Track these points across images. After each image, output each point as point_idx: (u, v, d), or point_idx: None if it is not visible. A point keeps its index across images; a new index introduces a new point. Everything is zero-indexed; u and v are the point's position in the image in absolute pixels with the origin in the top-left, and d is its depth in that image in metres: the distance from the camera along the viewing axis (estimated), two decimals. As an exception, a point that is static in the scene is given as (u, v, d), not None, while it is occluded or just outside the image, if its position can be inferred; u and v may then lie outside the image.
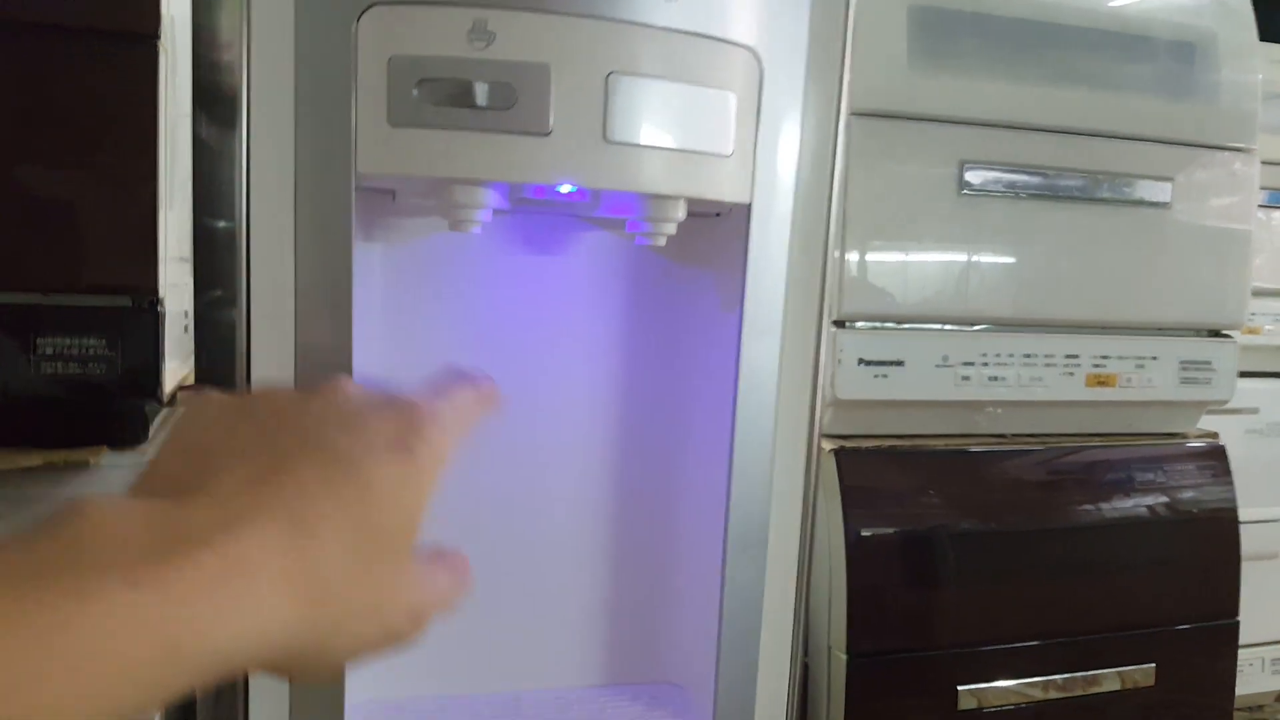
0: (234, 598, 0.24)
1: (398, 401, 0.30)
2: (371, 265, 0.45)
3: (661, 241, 0.42)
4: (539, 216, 0.47)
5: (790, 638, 0.48)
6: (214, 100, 0.43)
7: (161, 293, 0.54)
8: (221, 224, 0.45)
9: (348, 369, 0.40)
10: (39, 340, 0.53)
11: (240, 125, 0.40)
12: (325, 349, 0.40)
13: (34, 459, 0.50)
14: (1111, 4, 0.88)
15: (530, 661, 0.51)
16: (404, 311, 0.46)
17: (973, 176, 0.83)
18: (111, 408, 0.54)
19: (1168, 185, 0.87)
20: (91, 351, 0.54)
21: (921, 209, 0.82)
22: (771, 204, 0.42)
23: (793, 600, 0.47)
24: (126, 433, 0.54)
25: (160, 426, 0.58)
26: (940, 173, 0.82)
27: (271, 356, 0.41)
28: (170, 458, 0.29)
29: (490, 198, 0.39)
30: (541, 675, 0.51)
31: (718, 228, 0.45)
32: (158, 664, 0.23)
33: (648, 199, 0.40)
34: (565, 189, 0.40)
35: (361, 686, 0.49)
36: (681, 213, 0.41)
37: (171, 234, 0.56)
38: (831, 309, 0.80)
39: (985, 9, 0.84)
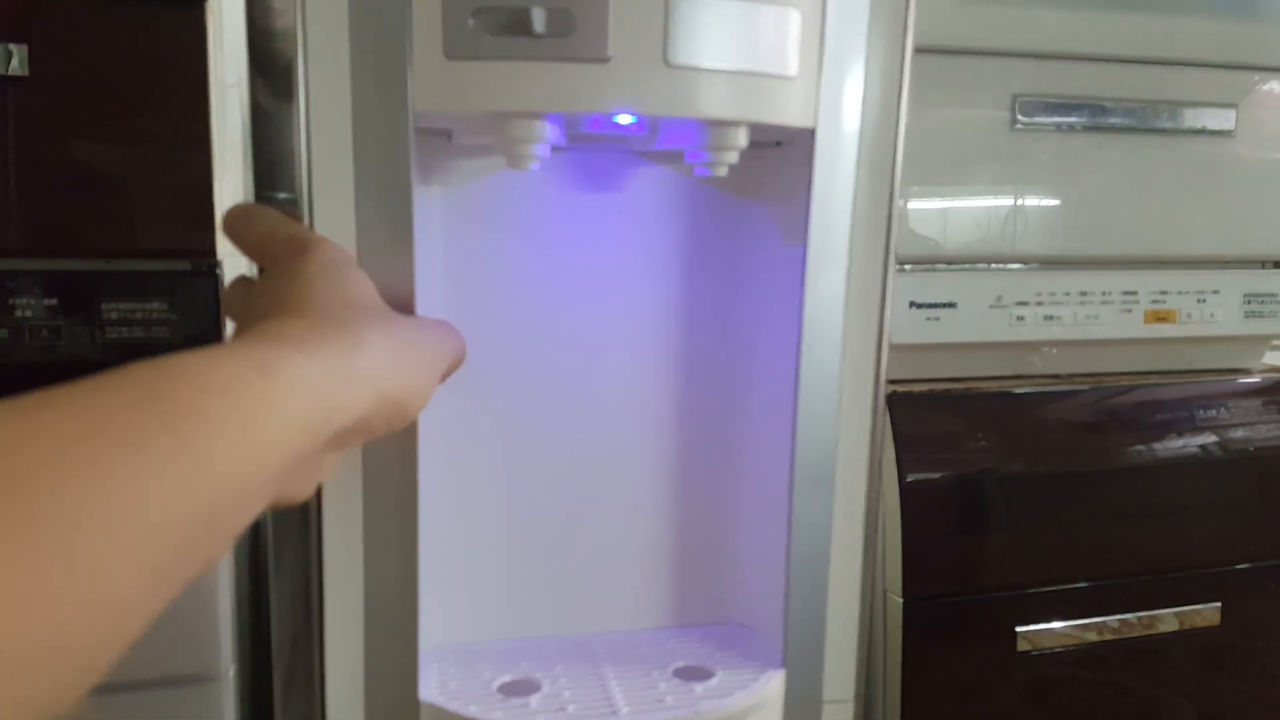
0: (356, 376, 0.32)
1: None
2: (431, 208, 0.45)
3: (723, 172, 0.41)
4: (596, 154, 0.46)
5: (860, 578, 0.48)
6: (269, 65, 0.43)
7: (220, 256, 0.55)
8: (282, 196, 0.45)
9: (411, 313, 0.40)
10: (103, 306, 0.54)
11: (297, 87, 0.40)
12: (388, 296, 0.40)
13: (102, 423, 0.51)
14: (1166, -75, 0.84)
15: (598, 605, 0.52)
16: (464, 254, 0.46)
17: (1026, 111, 0.81)
18: (175, 371, 0.55)
19: (1231, 112, 0.84)
20: (154, 315, 0.54)
21: (973, 146, 0.80)
22: (837, 129, 0.41)
23: (861, 539, 0.47)
24: (190, 394, 0.55)
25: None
26: (993, 108, 0.80)
27: None
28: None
29: (549, 131, 0.38)
30: (610, 619, 0.51)
31: (780, 158, 0.44)
32: (327, 411, 0.30)
33: (708, 127, 0.39)
34: (625, 119, 0.39)
35: (433, 632, 0.50)
36: (743, 140, 0.40)
37: (227, 200, 0.56)
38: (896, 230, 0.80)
39: (1035, -66, 0.81)
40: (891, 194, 0.45)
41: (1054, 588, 0.83)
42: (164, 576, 0.25)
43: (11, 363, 0.51)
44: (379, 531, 0.42)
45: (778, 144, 0.45)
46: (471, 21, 0.36)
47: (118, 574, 0.23)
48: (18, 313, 0.54)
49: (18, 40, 0.51)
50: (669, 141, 0.43)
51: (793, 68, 0.39)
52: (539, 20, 0.35)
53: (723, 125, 0.39)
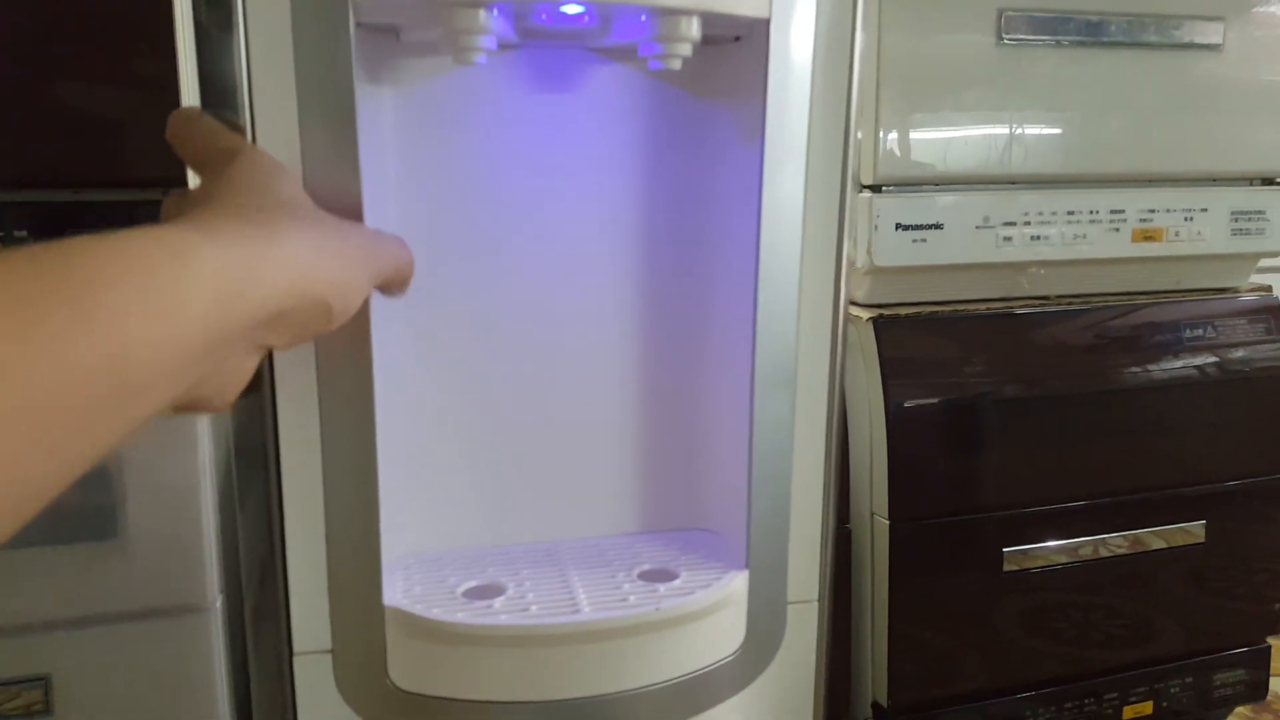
0: (270, 263, 0.32)
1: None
2: (381, 110, 0.45)
3: (676, 65, 0.40)
4: (550, 51, 0.45)
5: (822, 479, 0.48)
6: None
7: (192, 184, 0.54)
8: (224, 111, 0.44)
9: (358, 217, 0.40)
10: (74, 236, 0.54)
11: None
12: (335, 197, 0.39)
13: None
14: None
15: (566, 513, 0.52)
16: (418, 157, 0.45)
17: (1012, 27, 0.79)
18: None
19: (1219, 25, 0.83)
20: (125, 246, 0.54)
21: (959, 65, 0.79)
22: (791, 21, 0.41)
23: (824, 442, 0.47)
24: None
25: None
26: (978, 23, 0.78)
27: None
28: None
29: (493, 22, 0.37)
30: (577, 526, 0.52)
31: (736, 55, 0.43)
32: (230, 296, 0.30)
33: (659, 17, 0.38)
34: (573, 9, 0.38)
35: (399, 541, 0.50)
36: (696, 30, 0.39)
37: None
38: (865, 174, 0.78)
39: None
40: (850, 81, 0.44)
41: (1040, 508, 0.83)
42: (60, 449, 0.25)
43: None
44: (337, 443, 0.42)
45: (736, 39, 0.44)
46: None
47: (6, 439, 0.23)
48: (-13, 248, 0.54)
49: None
50: (622, 34, 0.42)
51: (742, -47, 0.39)
52: (477, -95, 0.34)
53: (674, 14, 0.38)
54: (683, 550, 0.50)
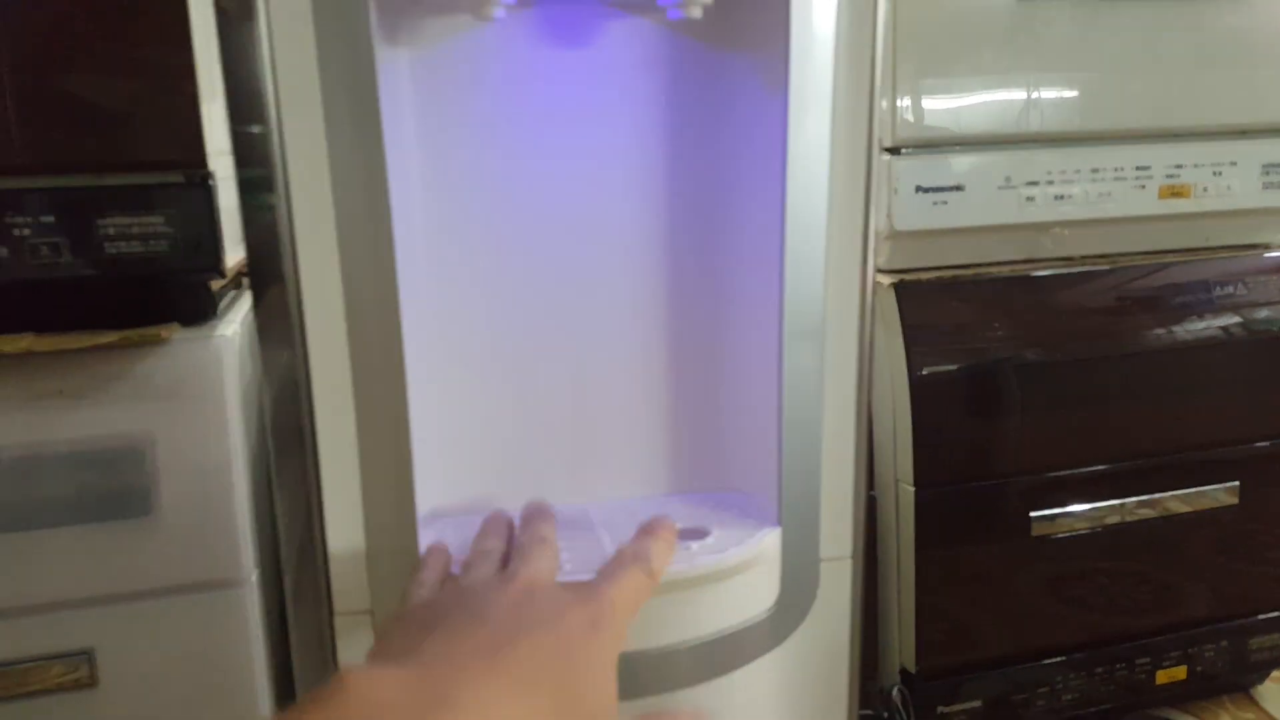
0: None
1: (582, 588, 0.37)
2: (399, 70, 0.45)
3: (697, 13, 0.40)
4: (565, 5, 0.45)
5: (854, 434, 0.48)
6: None
7: (211, 167, 0.55)
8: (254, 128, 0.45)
9: (382, 186, 0.40)
10: (100, 221, 0.55)
11: None
12: (360, 180, 0.39)
13: (109, 336, 0.52)
14: None
15: (596, 475, 0.52)
16: (437, 119, 0.46)
17: (1030, -20, 0.78)
18: (177, 283, 0.56)
19: (1246, -28, 0.81)
20: (151, 229, 0.55)
21: (977, 23, 0.78)
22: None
23: (854, 395, 0.47)
24: (194, 307, 0.56)
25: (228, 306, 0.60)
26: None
27: (313, 235, 0.41)
28: (399, 628, 0.35)
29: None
30: (607, 488, 0.52)
31: (756, 2, 0.43)
32: None
33: (676, -36, 0.38)
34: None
35: (429, 497, 0.50)
36: (714, -24, 0.39)
37: (214, 127, 0.56)
38: (884, 136, 0.78)
39: None
40: (874, 28, 0.44)
41: (1068, 472, 0.82)
42: None
43: (13, 280, 0.52)
44: (371, 413, 0.43)
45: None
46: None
47: None
48: (16, 231, 0.55)
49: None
50: (639, -16, 0.42)
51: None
52: None
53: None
54: (714, 510, 0.50)
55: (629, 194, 0.48)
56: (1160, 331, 0.85)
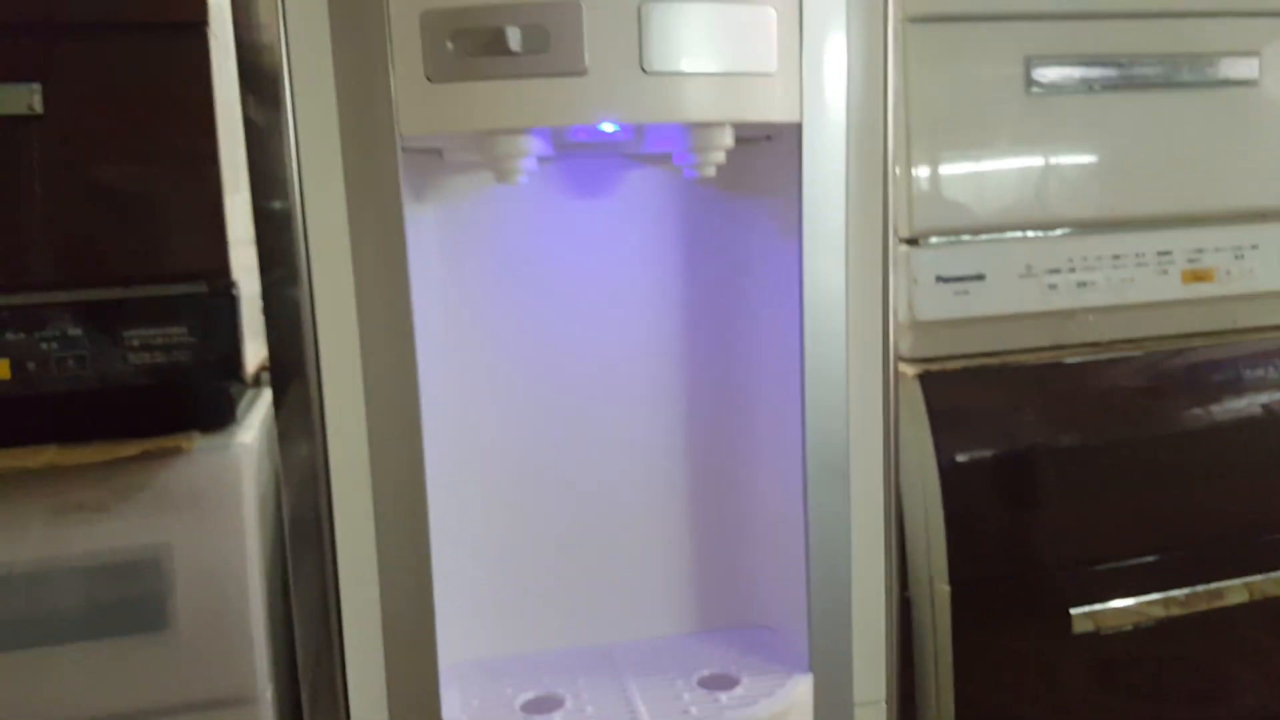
0: None
1: None
2: (425, 226, 0.45)
3: (711, 172, 0.41)
4: (585, 160, 0.46)
5: (883, 567, 0.47)
6: (258, 81, 0.44)
7: (235, 276, 0.56)
8: (277, 204, 0.45)
9: (408, 332, 0.40)
10: (125, 333, 0.55)
11: (285, 102, 0.40)
12: (386, 317, 0.40)
13: (130, 449, 0.52)
14: None
15: (619, 613, 0.52)
16: (461, 269, 0.46)
17: (1041, 74, 0.79)
18: (199, 392, 0.56)
19: (1254, 60, 0.81)
20: (175, 339, 0.56)
21: (989, 114, 0.78)
22: (823, 121, 0.41)
23: (881, 527, 0.46)
24: (215, 415, 0.57)
25: (247, 407, 0.60)
26: (1006, 73, 0.78)
27: (337, 331, 0.42)
28: None
29: (533, 145, 0.38)
30: (631, 626, 0.51)
31: (769, 152, 0.44)
32: None
33: (692, 128, 0.39)
34: (608, 127, 0.39)
35: (454, 649, 0.50)
36: (728, 139, 0.40)
37: (237, 218, 0.57)
38: (901, 226, 0.78)
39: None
40: (885, 173, 0.44)
41: (1110, 564, 0.80)
42: None
43: (40, 393, 0.52)
44: (391, 549, 0.43)
45: (767, 137, 0.44)
46: (450, 44, 0.36)
47: None
48: (43, 345, 0.56)
49: (31, 80, 0.52)
50: (656, 145, 0.43)
51: (772, 64, 0.39)
52: (515, 39, 0.35)
53: (706, 126, 0.39)
54: (742, 651, 0.49)
55: (648, 329, 0.48)
56: (1194, 413, 0.84)
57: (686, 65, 0.37)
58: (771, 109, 0.40)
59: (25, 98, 0.53)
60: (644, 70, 0.36)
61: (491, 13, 0.36)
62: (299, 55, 0.40)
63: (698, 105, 0.38)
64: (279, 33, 0.40)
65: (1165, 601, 0.80)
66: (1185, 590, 0.81)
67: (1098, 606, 0.79)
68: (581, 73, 0.36)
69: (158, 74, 0.56)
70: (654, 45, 0.36)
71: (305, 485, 0.47)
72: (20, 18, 0.53)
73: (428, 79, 0.37)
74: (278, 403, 0.48)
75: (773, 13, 0.38)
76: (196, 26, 0.55)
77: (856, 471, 0.45)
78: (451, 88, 0.36)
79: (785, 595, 0.48)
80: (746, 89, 0.39)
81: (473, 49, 0.36)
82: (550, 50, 0.36)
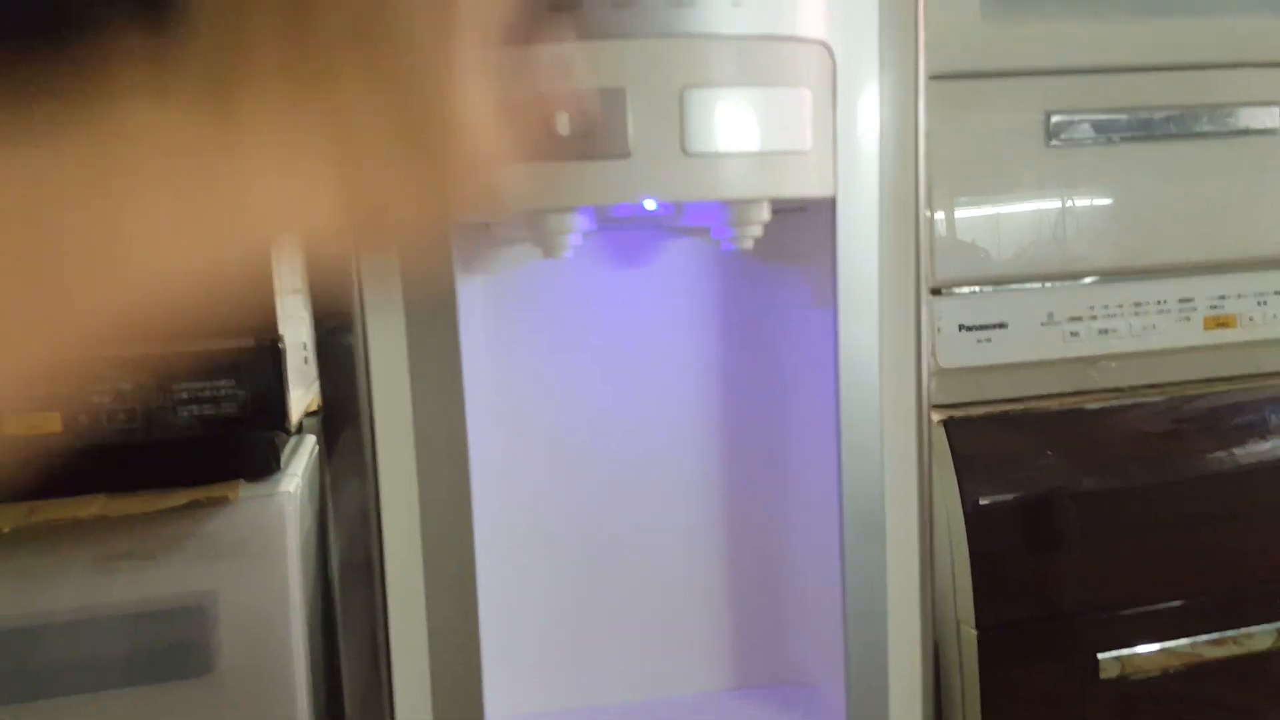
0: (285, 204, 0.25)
1: None
2: (473, 296, 0.47)
3: (749, 245, 0.42)
4: (627, 232, 0.48)
5: (919, 618, 0.48)
6: None
7: (281, 330, 0.57)
8: (333, 263, 0.47)
9: (458, 393, 0.42)
10: (175, 386, 0.57)
11: None
12: (437, 375, 0.41)
13: (178, 499, 0.54)
14: (1198, -75, 0.83)
15: (660, 669, 0.52)
16: (507, 336, 0.48)
17: (1060, 126, 0.80)
18: (243, 441, 0.58)
19: (1274, 110, 0.83)
20: (222, 392, 0.57)
21: (1009, 166, 0.80)
22: (856, 193, 0.42)
23: (918, 581, 0.47)
24: (259, 463, 0.58)
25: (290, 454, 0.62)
26: (1026, 126, 0.80)
27: (389, 380, 0.43)
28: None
29: (579, 222, 0.40)
30: (670, 682, 0.52)
31: (804, 221, 0.45)
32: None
33: (730, 204, 0.40)
34: (649, 205, 0.41)
35: (496, 704, 0.51)
36: (765, 214, 0.41)
37: (285, 269, 0.59)
38: (924, 276, 0.79)
39: (1058, -49, 0.80)
40: (917, 241, 0.46)
41: (1137, 609, 0.80)
42: None
43: (90, 445, 0.54)
44: (441, 597, 0.43)
45: (801, 208, 0.46)
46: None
47: None
48: (95, 399, 0.57)
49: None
50: (694, 219, 0.44)
51: (807, 142, 0.41)
52: (563, 124, 0.37)
53: (744, 203, 0.40)
54: (779, 710, 0.50)
55: (686, 392, 0.50)
56: (1218, 456, 0.84)
57: (725, 146, 0.39)
58: (807, 185, 0.42)
59: None
60: (685, 151, 0.38)
61: (543, 100, 0.37)
62: None
63: (736, 183, 0.40)
64: None
65: (1193, 646, 0.80)
66: (1213, 635, 0.80)
67: (1125, 651, 0.79)
68: (626, 155, 0.38)
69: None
70: (694, 128, 0.38)
71: (356, 531, 0.48)
72: None
73: (479, 160, 0.38)
74: (330, 449, 0.50)
75: (808, 94, 0.40)
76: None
77: (892, 527, 0.46)
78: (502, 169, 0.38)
79: (822, 652, 0.49)
80: (783, 166, 0.40)
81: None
82: (596, 134, 0.38)
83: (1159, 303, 0.83)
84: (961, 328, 0.80)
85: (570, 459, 0.50)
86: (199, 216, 0.24)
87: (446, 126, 0.27)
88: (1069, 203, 0.81)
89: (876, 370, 0.44)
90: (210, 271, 0.25)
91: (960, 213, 0.78)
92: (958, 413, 0.81)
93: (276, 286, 0.59)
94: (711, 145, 0.39)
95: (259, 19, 0.25)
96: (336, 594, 0.52)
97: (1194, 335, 0.84)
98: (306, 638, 0.56)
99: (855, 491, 0.44)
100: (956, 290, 0.80)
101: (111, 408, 0.57)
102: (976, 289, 0.80)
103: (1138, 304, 0.83)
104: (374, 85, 0.25)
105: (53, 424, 0.58)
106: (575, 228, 0.40)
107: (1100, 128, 0.80)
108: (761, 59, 0.39)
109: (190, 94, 0.25)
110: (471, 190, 0.28)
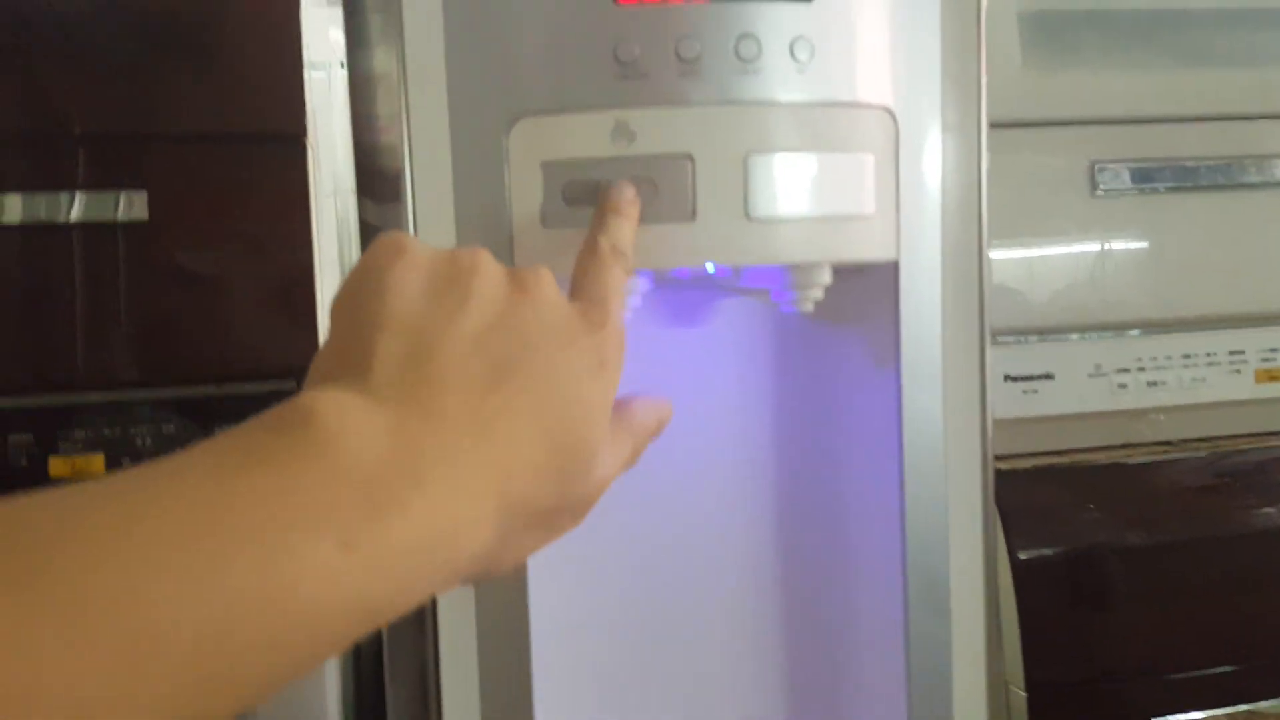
0: (444, 547, 0.24)
1: (590, 311, 0.31)
2: None
3: (809, 308, 0.42)
4: (682, 292, 0.48)
5: (985, 685, 0.46)
6: (378, 188, 0.46)
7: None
8: None
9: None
10: (218, 429, 0.57)
11: (406, 216, 0.42)
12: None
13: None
14: (1239, -23, 0.83)
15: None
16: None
17: (1106, 176, 0.80)
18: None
19: (1323, 162, 0.82)
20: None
21: (1056, 215, 0.79)
22: (919, 254, 0.42)
23: (983, 646, 0.46)
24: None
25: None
26: (1071, 176, 0.79)
27: None
28: (383, 333, 0.27)
29: (640, 284, 0.40)
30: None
31: (864, 282, 0.45)
32: (351, 622, 0.22)
33: (791, 268, 0.40)
34: (709, 267, 0.41)
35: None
36: (827, 277, 0.41)
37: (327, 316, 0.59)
38: (989, 334, 0.78)
39: (1100, 3, 0.80)
40: (981, 303, 0.45)
41: (1188, 674, 0.78)
42: None
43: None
44: (492, 676, 0.43)
45: (861, 269, 0.46)
46: (563, 196, 0.38)
47: None
48: (138, 441, 0.57)
49: (137, 188, 0.56)
50: (753, 281, 0.44)
51: (870, 206, 0.41)
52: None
53: (805, 266, 0.40)
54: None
55: (742, 459, 0.49)
56: (1272, 512, 0.82)
57: (788, 210, 0.39)
58: (870, 248, 0.41)
59: (130, 204, 0.56)
60: (748, 216, 0.38)
61: (607, 165, 0.38)
62: (422, 180, 0.41)
63: (798, 247, 0.40)
64: (404, 150, 0.41)
65: (1249, 715, 0.77)
66: (1268, 703, 0.78)
67: (1179, 717, 0.76)
68: (689, 219, 0.38)
69: (257, 181, 0.59)
70: (758, 193, 0.38)
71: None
72: (129, 129, 0.57)
73: (543, 225, 0.39)
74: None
75: (870, 158, 0.40)
76: (295, 138, 0.58)
77: (956, 590, 0.45)
78: (566, 233, 0.38)
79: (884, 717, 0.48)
80: (845, 230, 0.40)
81: (587, 198, 0.38)
82: (660, 199, 0.38)
83: (1209, 355, 0.82)
84: (1008, 378, 0.79)
85: (622, 520, 0.49)
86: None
87: (587, 461, 0.29)
88: (1116, 253, 0.80)
89: (940, 435, 0.43)
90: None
91: (1004, 261, 0.78)
92: (1003, 465, 0.79)
93: (321, 329, 0.59)
94: (774, 210, 0.39)
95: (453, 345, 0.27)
96: (386, 678, 0.52)
97: (1245, 388, 0.82)
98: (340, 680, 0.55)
99: (919, 561, 0.43)
100: (1002, 339, 0.79)
101: (154, 449, 0.58)
102: (1022, 338, 0.79)
103: (1187, 356, 0.81)
104: (535, 416, 0.27)
105: (96, 465, 0.59)
106: (636, 289, 0.40)
107: (1144, 176, 0.80)
108: (824, 125, 0.39)
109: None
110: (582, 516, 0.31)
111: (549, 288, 0.30)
